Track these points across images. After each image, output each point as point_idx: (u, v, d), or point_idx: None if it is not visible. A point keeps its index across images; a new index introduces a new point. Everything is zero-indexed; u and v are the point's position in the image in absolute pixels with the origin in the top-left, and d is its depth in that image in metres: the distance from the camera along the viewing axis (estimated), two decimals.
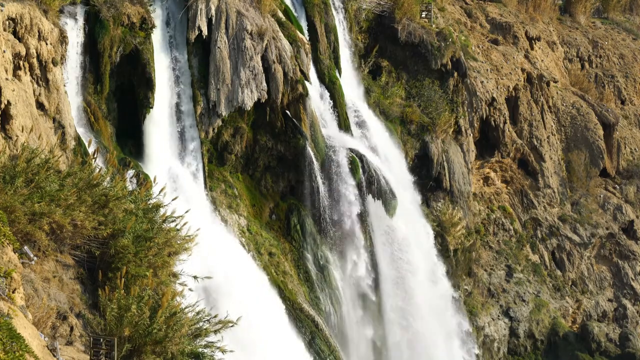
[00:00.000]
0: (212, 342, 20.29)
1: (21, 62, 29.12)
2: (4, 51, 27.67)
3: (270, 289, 37.56)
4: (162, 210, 22.56)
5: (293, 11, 43.44)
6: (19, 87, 28.04)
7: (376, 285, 43.02)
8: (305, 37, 42.54)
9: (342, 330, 41.18)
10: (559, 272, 55.04)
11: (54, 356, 16.46)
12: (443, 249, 47.72)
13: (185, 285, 22.34)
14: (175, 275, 22.26)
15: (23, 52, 29.05)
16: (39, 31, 29.92)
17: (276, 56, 39.40)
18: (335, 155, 41.51)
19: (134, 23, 35.51)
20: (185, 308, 19.98)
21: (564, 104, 59.97)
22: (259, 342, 33.05)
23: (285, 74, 39.55)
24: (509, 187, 55.76)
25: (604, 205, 58.30)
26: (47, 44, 30.40)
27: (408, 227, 44.54)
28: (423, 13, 52.06)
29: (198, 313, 20.32)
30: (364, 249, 42.37)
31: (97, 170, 21.98)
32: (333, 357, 38.49)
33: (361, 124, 45.16)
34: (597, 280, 56.32)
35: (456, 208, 49.05)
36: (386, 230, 43.26)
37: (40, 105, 30.17)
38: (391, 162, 45.46)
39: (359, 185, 41.67)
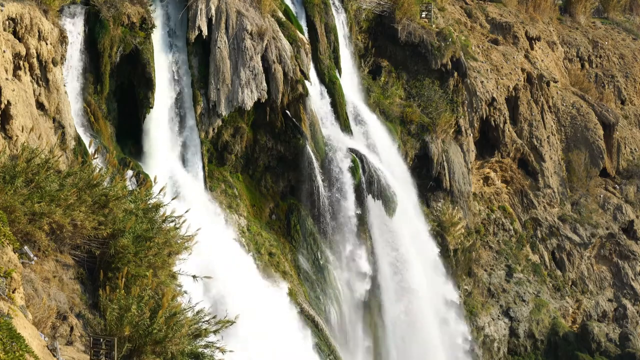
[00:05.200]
0: (212, 342, 20.29)
1: (21, 62, 29.13)
2: (4, 51, 27.68)
3: (269, 288, 37.56)
4: (162, 210, 22.54)
5: (293, 11, 43.45)
6: (19, 87, 28.04)
7: (376, 285, 43.01)
8: (305, 37, 42.54)
9: (341, 330, 41.17)
10: (559, 272, 55.04)
11: (54, 356, 16.46)
12: (443, 249, 47.71)
13: (181, 285, 22.35)
14: (174, 276, 22.26)
15: (23, 52, 29.05)
16: (39, 31, 29.92)
17: (276, 56, 39.40)
18: (335, 155, 41.52)
19: (134, 23, 35.52)
20: (185, 309, 19.97)
21: (564, 104, 59.97)
22: (262, 341, 33.08)
23: (285, 74, 39.55)
24: (509, 187, 55.76)
25: (604, 205, 58.30)
26: (47, 44, 30.40)
27: (408, 227, 44.52)
28: (423, 13, 52.04)
29: (198, 313, 20.32)
30: (364, 249, 42.34)
31: (97, 170, 21.97)
32: (333, 357, 38.49)
33: (361, 124, 45.16)
34: (597, 280, 56.32)
35: (456, 208, 49.05)
36: (386, 230, 43.24)
37: (40, 105, 30.18)
38: (391, 162, 45.45)
39: (358, 185, 41.66)
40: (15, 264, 16.97)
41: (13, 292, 16.19)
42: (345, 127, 43.78)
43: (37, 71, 30.20)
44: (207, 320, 20.35)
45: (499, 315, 51.12)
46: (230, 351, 20.70)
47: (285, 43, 40.02)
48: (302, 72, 40.46)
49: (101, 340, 17.98)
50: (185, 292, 22.56)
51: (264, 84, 38.86)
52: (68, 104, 31.93)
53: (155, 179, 30.31)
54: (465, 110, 51.23)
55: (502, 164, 55.02)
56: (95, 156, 23.53)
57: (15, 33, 29.06)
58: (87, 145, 31.55)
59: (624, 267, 57.00)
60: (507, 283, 52.30)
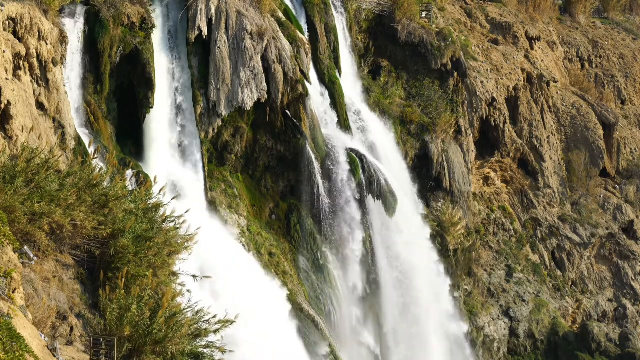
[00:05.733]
0: (212, 342, 20.30)
1: (21, 62, 29.13)
2: (4, 51, 27.68)
3: (269, 287, 37.56)
4: (162, 210, 22.55)
5: (293, 11, 43.44)
6: (19, 87, 28.04)
7: (376, 285, 43.02)
8: (305, 37, 42.54)
9: (341, 330, 41.16)
10: (559, 272, 55.03)
11: (54, 356, 16.46)
12: (443, 249, 47.72)
13: (184, 285, 22.37)
14: (175, 275, 22.26)
15: (23, 52, 29.06)
16: (39, 31, 29.92)
17: (276, 56, 39.40)
18: (335, 155, 41.51)
19: (134, 23, 35.52)
20: (185, 309, 19.98)
21: (564, 104, 59.97)
22: (260, 341, 33.09)
23: (285, 74, 39.55)
24: (509, 187, 55.76)
25: (604, 205, 58.30)
26: (47, 44, 30.41)
27: (408, 227, 44.53)
28: (423, 13, 52.04)
29: (197, 313, 20.32)
30: (364, 249, 42.34)
31: (97, 170, 21.98)
32: (333, 357, 38.49)
33: (361, 124, 45.16)
34: (597, 280, 56.32)
35: (456, 208, 49.04)
36: (386, 230, 43.25)
37: (40, 105, 30.18)
38: (391, 162, 45.45)
39: (359, 185, 41.66)
40: (15, 264, 16.98)
41: (13, 292, 16.20)
42: (345, 127, 43.78)
43: (37, 71, 30.21)
44: (207, 320, 20.35)
45: (499, 315, 51.13)
46: (230, 351, 20.71)
47: (285, 43, 40.02)
48: (302, 72, 40.45)
49: (101, 340, 17.98)
50: (188, 290, 22.55)
51: (264, 84, 38.86)
52: (68, 104, 31.93)
53: (155, 179, 30.32)
54: (465, 110, 51.22)
55: (502, 164, 55.02)
56: (95, 156, 23.54)
57: (15, 33, 29.07)
58: (87, 145, 31.55)
59: (624, 267, 57.00)
60: (507, 283, 52.30)
